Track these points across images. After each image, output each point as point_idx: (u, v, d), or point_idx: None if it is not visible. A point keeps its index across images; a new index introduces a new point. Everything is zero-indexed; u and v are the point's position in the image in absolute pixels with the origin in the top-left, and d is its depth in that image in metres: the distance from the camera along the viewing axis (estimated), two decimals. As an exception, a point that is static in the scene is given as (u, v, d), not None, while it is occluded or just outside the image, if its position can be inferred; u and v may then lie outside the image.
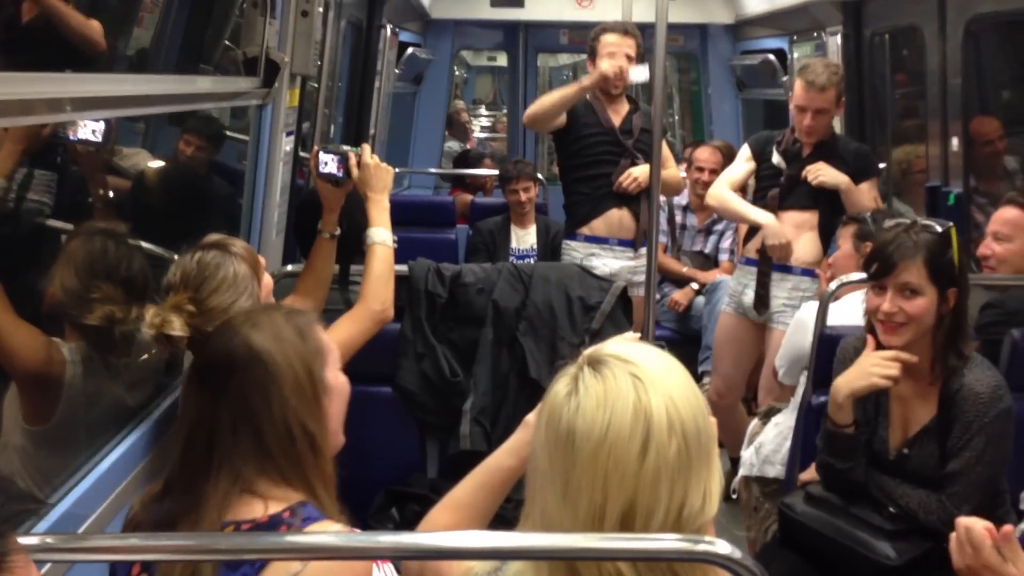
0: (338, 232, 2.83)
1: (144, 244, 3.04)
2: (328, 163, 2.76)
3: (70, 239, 2.42)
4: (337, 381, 1.80)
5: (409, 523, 2.82)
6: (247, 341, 1.69)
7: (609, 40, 4.24)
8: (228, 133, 4.28)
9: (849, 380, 2.52)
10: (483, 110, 13.12)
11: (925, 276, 2.44)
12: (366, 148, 2.77)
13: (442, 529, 1.66)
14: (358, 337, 2.56)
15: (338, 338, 2.38)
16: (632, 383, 1.29)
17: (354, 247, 2.85)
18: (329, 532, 1.40)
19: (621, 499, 1.25)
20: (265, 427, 1.62)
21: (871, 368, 2.48)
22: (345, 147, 2.77)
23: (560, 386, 1.33)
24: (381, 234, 2.70)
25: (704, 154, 5.63)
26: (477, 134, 11.38)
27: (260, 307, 1.84)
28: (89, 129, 2.35)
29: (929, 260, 2.44)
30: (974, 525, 1.81)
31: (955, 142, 4.29)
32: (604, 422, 1.27)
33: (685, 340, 5.30)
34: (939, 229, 2.48)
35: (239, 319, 1.76)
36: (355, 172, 2.72)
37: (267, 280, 2.43)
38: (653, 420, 1.26)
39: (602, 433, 1.26)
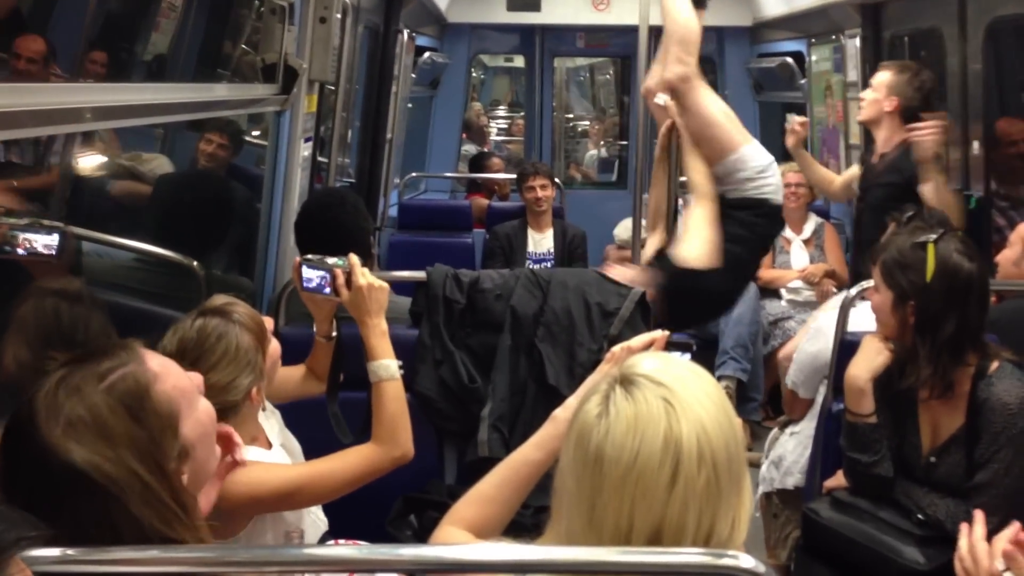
0: (334, 335, 2.54)
1: (162, 251, 3.05)
2: (312, 280, 2.37)
3: (18, 305, 2.17)
4: (198, 427, 1.49)
5: (428, 530, 2.79)
6: (68, 459, 1.32)
7: None
8: (246, 138, 4.30)
9: (865, 361, 2.58)
10: (500, 111, 13.14)
11: (879, 276, 2.55)
12: (355, 263, 2.34)
13: (468, 522, 1.66)
14: (368, 478, 2.20)
15: (344, 473, 2.15)
16: (664, 409, 1.27)
17: None
18: (350, 545, 1.39)
19: (647, 527, 1.24)
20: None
21: (878, 345, 2.59)
22: (331, 260, 2.36)
23: (591, 405, 1.31)
24: (388, 369, 2.28)
25: None
26: (494, 136, 11.39)
27: (75, 378, 1.39)
28: (41, 243, 2.15)
29: (883, 263, 2.54)
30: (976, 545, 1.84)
31: (976, 145, 4.25)
32: (633, 449, 1.25)
33: (703, 345, 5.29)
34: (924, 239, 2.47)
35: (50, 418, 1.35)
36: (343, 293, 2.32)
37: (274, 347, 2.26)
38: (683, 450, 1.25)
39: (631, 460, 1.25)
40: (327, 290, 2.36)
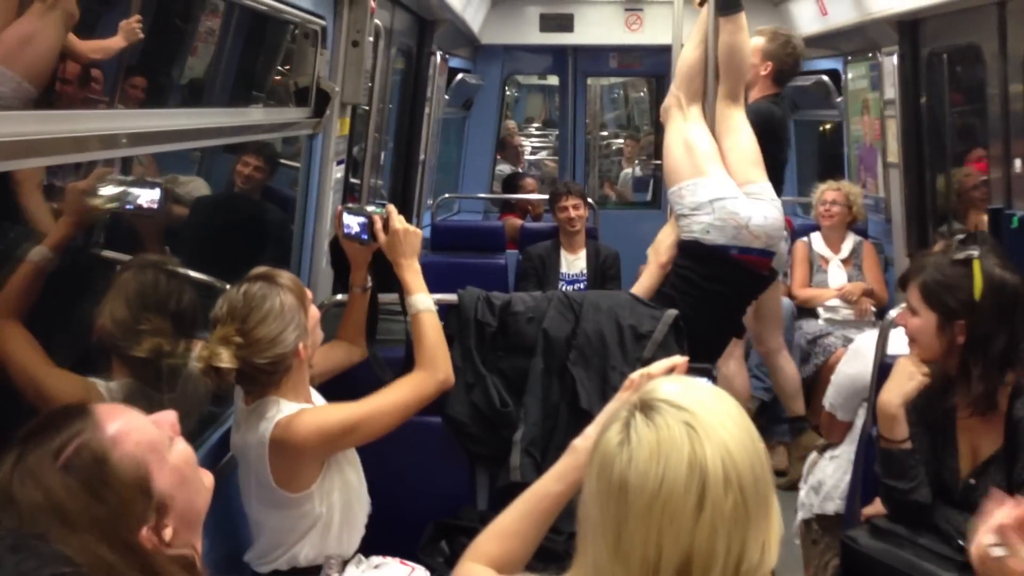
0: (369, 285, 2.80)
1: (195, 274, 3.06)
2: (352, 226, 2.67)
3: (122, 270, 2.44)
4: (174, 475, 1.44)
5: (459, 556, 2.78)
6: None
7: None
8: (281, 160, 4.33)
9: (898, 387, 2.52)
10: (534, 129, 13.16)
11: (919, 298, 2.49)
12: (392, 210, 2.67)
13: (489, 557, 1.64)
14: (418, 404, 2.51)
15: (397, 401, 2.43)
16: (686, 433, 1.25)
17: (384, 286, 2.83)
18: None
19: (676, 555, 1.22)
20: None
21: (911, 369, 2.52)
22: (370, 207, 2.67)
23: (611, 433, 1.29)
24: (424, 301, 2.63)
25: None
26: (528, 155, 11.41)
27: (30, 458, 1.33)
28: (144, 198, 2.38)
29: (923, 285, 2.48)
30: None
31: (1018, 163, 4.17)
32: (658, 476, 1.23)
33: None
34: (967, 256, 2.43)
35: (6, 508, 1.31)
36: (381, 237, 2.64)
37: (314, 311, 2.43)
38: (709, 474, 1.23)
39: (656, 487, 1.23)
40: (365, 236, 2.64)
